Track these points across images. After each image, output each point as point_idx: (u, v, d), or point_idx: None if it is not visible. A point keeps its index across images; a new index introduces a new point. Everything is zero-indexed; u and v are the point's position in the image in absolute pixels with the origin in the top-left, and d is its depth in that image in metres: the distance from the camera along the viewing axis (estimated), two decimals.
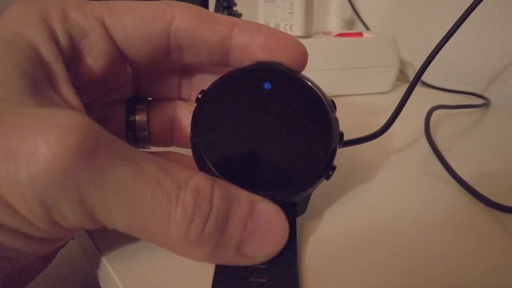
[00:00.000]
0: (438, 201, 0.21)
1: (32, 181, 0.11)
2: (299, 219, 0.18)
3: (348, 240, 0.17)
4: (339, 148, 0.17)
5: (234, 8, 0.50)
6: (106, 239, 0.17)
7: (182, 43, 0.17)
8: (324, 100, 0.17)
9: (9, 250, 0.13)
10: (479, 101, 0.39)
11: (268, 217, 0.15)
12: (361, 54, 0.41)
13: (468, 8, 0.23)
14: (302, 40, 0.27)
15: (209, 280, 0.14)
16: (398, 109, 0.24)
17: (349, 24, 0.64)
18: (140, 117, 0.21)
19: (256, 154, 0.16)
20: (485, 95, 0.43)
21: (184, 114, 0.22)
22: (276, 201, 0.15)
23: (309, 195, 0.17)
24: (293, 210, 0.17)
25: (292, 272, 0.15)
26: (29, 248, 0.13)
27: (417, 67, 0.31)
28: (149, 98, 0.22)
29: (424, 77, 0.49)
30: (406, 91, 0.24)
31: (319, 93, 0.17)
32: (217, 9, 0.50)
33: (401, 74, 0.54)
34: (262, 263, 0.15)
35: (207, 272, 0.15)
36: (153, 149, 0.22)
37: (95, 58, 0.17)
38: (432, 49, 0.24)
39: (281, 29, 0.42)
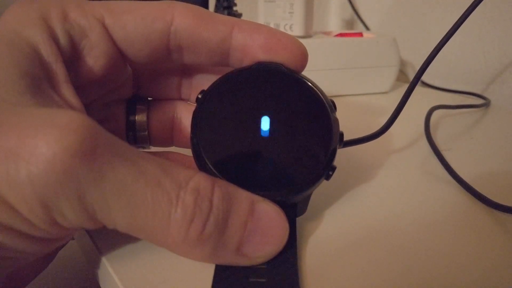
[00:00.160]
0: (438, 201, 0.21)
1: (33, 181, 0.11)
2: (299, 219, 0.18)
3: (348, 240, 0.17)
4: (339, 148, 0.17)
5: (234, 8, 0.50)
6: (106, 239, 0.17)
7: (182, 43, 0.17)
8: (324, 100, 0.17)
9: (9, 250, 0.13)
10: (479, 101, 0.39)
11: (268, 217, 0.15)
12: (361, 54, 0.41)
13: (468, 8, 0.23)
14: (302, 40, 0.27)
15: (209, 280, 0.14)
16: (398, 109, 0.24)
17: (349, 24, 0.64)
18: (140, 117, 0.21)
19: (256, 154, 0.16)
20: (485, 95, 0.43)
21: (184, 114, 0.22)
22: (276, 201, 0.15)
23: (309, 195, 0.17)
24: (293, 210, 0.17)
25: (292, 272, 0.15)
26: (29, 248, 0.13)
27: (417, 67, 0.31)
28: (149, 98, 0.22)
29: (424, 77, 0.49)
30: (406, 91, 0.24)
31: (319, 93, 0.17)
32: (217, 9, 0.50)
33: (401, 74, 0.54)
34: (262, 263, 0.15)
35: (207, 272, 0.15)
36: (153, 149, 0.22)
37: (95, 58, 0.17)
38: (432, 49, 0.24)
39: (281, 29, 0.42)
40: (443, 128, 0.32)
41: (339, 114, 0.18)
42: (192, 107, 0.21)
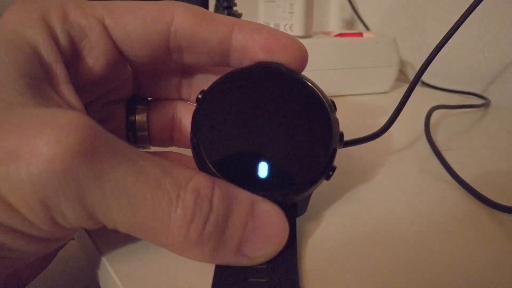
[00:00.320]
0: (438, 201, 0.21)
1: (33, 181, 0.11)
2: (299, 219, 0.18)
3: (348, 240, 0.17)
4: (339, 148, 0.17)
5: (234, 8, 0.50)
6: (106, 239, 0.17)
7: (182, 43, 0.17)
8: (324, 101, 0.17)
9: (10, 250, 0.13)
10: (479, 101, 0.39)
11: (268, 217, 0.15)
12: (361, 54, 0.41)
13: (468, 8, 0.23)
14: (302, 40, 0.27)
15: (209, 280, 0.14)
16: (398, 109, 0.24)
17: (349, 24, 0.64)
18: (140, 117, 0.21)
19: (256, 154, 0.16)
20: (485, 95, 0.43)
21: (184, 114, 0.22)
22: (276, 201, 0.15)
23: (309, 196, 0.17)
24: (293, 210, 0.17)
25: (292, 272, 0.15)
26: (29, 248, 0.13)
27: (417, 67, 0.31)
28: (149, 98, 0.22)
29: (424, 77, 0.49)
30: (406, 91, 0.24)
31: (319, 93, 0.17)
32: (217, 9, 0.50)
33: (401, 74, 0.54)
34: (262, 263, 0.15)
35: (207, 272, 0.15)
36: (153, 149, 0.22)
37: (95, 58, 0.17)
38: (432, 49, 0.24)
39: (281, 29, 0.42)
40: (443, 128, 0.32)
41: (339, 114, 0.18)
42: (192, 107, 0.21)
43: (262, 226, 0.15)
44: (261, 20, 0.44)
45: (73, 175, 0.12)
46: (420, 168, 0.25)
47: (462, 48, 0.47)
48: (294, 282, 0.14)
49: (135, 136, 0.21)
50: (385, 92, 0.44)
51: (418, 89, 0.46)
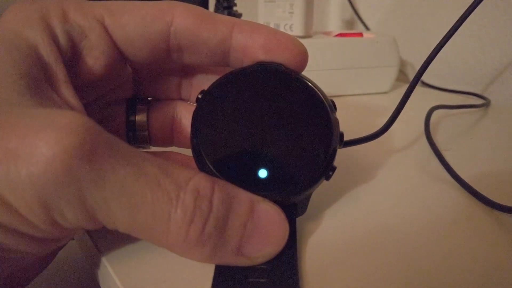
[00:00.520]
0: (438, 201, 0.21)
1: (33, 181, 0.11)
2: (299, 219, 0.18)
3: (348, 240, 0.17)
4: (339, 148, 0.17)
5: (234, 8, 0.50)
6: (106, 239, 0.17)
7: (182, 43, 0.17)
8: (324, 101, 0.17)
9: (10, 250, 0.13)
10: (479, 101, 0.39)
11: (268, 217, 0.15)
12: (361, 54, 0.41)
13: (468, 8, 0.23)
14: (302, 40, 0.27)
15: (209, 280, 0.14)
16: (398, 109, 0.24)
17: (349, 24, 0.64)
18: (140, 117, 0.21)
19: (256, 155, 0.16)
20: (485, 95, 0.43)
21: (184, 114, 0.22)
22: (276, 201, 0.15)
23: (309, 196, 0.17)
24: (293, 211, 0.17)
25: (292, 272, 0.15)
26: (29, 249, 0.13)
27: (417, 67, 0.31)
28: (149, 98, 0.22)
29: (424, 77, 0.49)
30: (406, 91, 0.24)
31: (319, 93, 0.17)
32: (217, 9, 0.50)
33: (401, 74, 0.54)
34: (262, 263, 0.15)
35: (207, 272, 0.15)
36: (153, 149, 0.22)
37: (95, 58, 0.17)
38: (432, 49, 0.24)
39: (281, 29, 0.42)
40: (443, 128, 0.32)
41: (339, 114, 0.18)
42: (192, 107, 0.21)
43: (262, 226, 0.15)
44: (261, 20, 0.44)
45: (73, 176, 0.12)
46: (420, 168, 0.25)
47: (462, 48, 0.47)
48: (294, 282, 0.14)
49: (135, 136, 0.21)
50: (385, 92, 0.44)
51: (418, 89, 0.46)
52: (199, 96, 0.17)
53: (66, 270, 0.32)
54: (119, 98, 0.21)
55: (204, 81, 0.21)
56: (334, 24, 0.64)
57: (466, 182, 0.22)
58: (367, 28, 0.60)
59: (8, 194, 0.11)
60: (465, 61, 0.47)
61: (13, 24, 0.15)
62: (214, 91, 0.17)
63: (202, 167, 0.16)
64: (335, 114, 0.17)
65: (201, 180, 0.14)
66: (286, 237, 0.15)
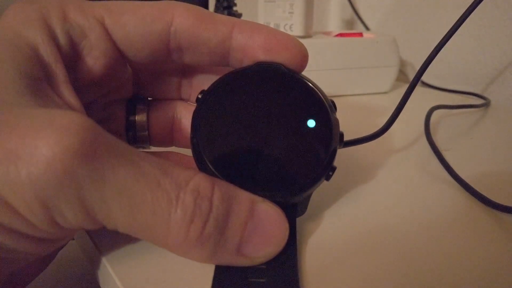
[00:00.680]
0: (438, 201, 0.21)
1: (33, 182, 0.11)
2: (299, 220, 0.18)
3: (348, 240, 0.17)
4: (339, 148, 0.17)
5: (234, 8, 0.50)
6: (106, 239, 0.17)
7: (182, 43, 0.17)
8: (324, 101, 0.17)
9: (10, 250, 0.13)
10: (479, 101, 0.39)
11: (268, 217, 0.15)
12: (361, 54, 0.41)
13: (468, 8, 0.23)
14: (302, 40, 0.27)
15: (209, 280, 0.14)
16: (398, 109, 0.24)
17: (349, 24, 0.64)
18: (140, 117, 0.21)
19: (256, 155, 0.16)
20: (485, 95, 0.43)
21: (184, 114, 0.22)
22: (276, 201, 0.15)
23: (309, 196, 0.17)
24: (293, 211, 0.17)
25: (292, 272, 0.15)
26: (29, 249, 0.13)
27: (417, 67, 0.31)
28: (149, 98, 0.22)
29: (424, 77, 0.49)
30: (406, 91, 0.24)
31: (319, 93, 0.17)
32: (217, 9, 0.50)
33: (401, 74, 0.54)
34: (262, 264, 0.15)
35: (207, 272, 0.15)
36: (153, 149, 0.22)
37: (94, 58, 0.17)
38: (432, 49, 0.24)
39: (281, 29, 0.42)
40: (443, 128, 0.32)
41: (339, 114, 0.18)
42: (192, 107, 0.21)
43: (262, 227, 0.15)
44: (261, 20, 0.44)
45: (73, 176, 0.12)
46: (420, 168, 0.25)
47: (462, 48, 0.47)
48: (294, 282, 0.14)
49: (135, 136, 0.21)
50: (385, 92, 0.44)
51: (418, 89, 0.46)
52: (199, 96, 0.17)
53: (66, 270, 0.32)
54: (119, 98, 0.21)
55: (204, 81, 0.21)
56: (334, 24, 0.64)
57: (466, 182, 0.22)
58: (367, 28, 0.60)
59: (8, 194, 0.11)
60: (465, 61, 0.47)
61: (13, 24, 0.15)
62: (214, 91, 0.17)
63: (202, 167, 0.16)
64: (335, 114, 0.17)
65: (201, 180, 0.14)
66: (286, 237, 0.15)
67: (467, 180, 0.22)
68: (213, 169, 0.16)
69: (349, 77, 0.41)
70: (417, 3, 0.53)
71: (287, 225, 0.15)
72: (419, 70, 0.24)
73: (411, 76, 0.54)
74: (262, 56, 0.17)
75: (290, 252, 0.15)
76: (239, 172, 0.16)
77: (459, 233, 0.18)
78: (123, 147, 0.13)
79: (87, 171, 0.12)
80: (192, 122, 0.17)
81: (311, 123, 0.17)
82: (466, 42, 0.47)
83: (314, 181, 0.16)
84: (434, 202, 0.21)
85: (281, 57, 0.17)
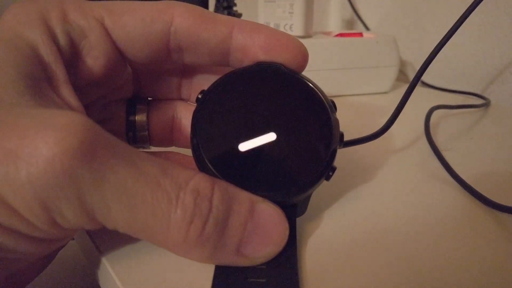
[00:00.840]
0: (438, 201, 0.21)
1: (32, 182, 0.11)
2: (299, 220, 0.18)
3: (348, 240, 0.17)
4: (339, 148, 0.17)
5: (234, 8, 0.50)
6: (106, 239, 0.17)
7: (182, 43, 0.17)
8: (324, 101, 0.17)
9: (10, 251, 0.13)
10: (479, 101, 0.39)
11: (268, 217, 0.15)
12: (361, 54, 0.41)
13: (468, 8, 0.23)
14: (302, 40, 0.27)
15: (209, 280, 0.14)
16: (398, 109, 0.24)
17: (349, 24, 0.64)
18: (140, 117, 0.21)
19: (256, 155, 0.16)
20: (485, 95, 0.43)
21: (184, 114, 0.22)
22: (276, 201, 0.15)
23: (309, 196, 0.17)
24: (293, 211, 0.17)
25: (292, 273, 0.15)
26: (29, 249, 0.13)
27: (417, 67, 0.31)
28: (149, 98, 0.22)
29: (424, 77, 0.49)
30: (406, 91, 0.24)
31: (320, 93, 0.17)
32: (217, 9, 0.50)
33: (401, 74, 0.54)
34: (262, 264, 0.15)
35: (207, 272, 0.15)
36: (153, 149, 0.22)
37: (94, 58, 0.17)
38: (432, 49, 0.24)
39: (281, 29, 0.42)
40: (443, 128, 0.32)
41: (339, 114, 0.18)
42: (192, 107, 0.21)
43: (262, 227, 0.15)
44: (261, 20, 0.44)
45: (72, 176, 0.12)
46: (420, 168, 0.25)
47: (462, 48, 0.47)
48: (294, 282, 0.14)
49: (135, 136, 0.21)
50: (385, 92, 0.44)
51: (418, 89, 0.46)
52: (199, 96, 0.17)
53: (66, 270, 0.32)
54: (119, 98, 0.21)
55: (204, 81, 0.21)
56: (334, 24, 0.64)
57: (466, 182, 0.22)
58: (367, 28, 0.60)
59: (8, 195, 0.11)
60: (465, 61, 0.47)
61: (13, 24, 0.15)
62: (214, 91, 0.17)
63: (202, 167, 0.16)
64: (335, 114, 0.17)
65: (201, 180, 0.14)
66: (286, 237, 0.15)
67: (467, 180, 0.22)
68: (213, 169, 0.16)
69: (349, 77, 0.41)
70: (417, 3, 0.53)
71: (287, 225, 0.15)
72: (419, 70, 0.24)
73: (411, 76, 0.54)
74: (262, 56, 0.17)
75: (290, 252, 0.15)
76: (239, 172, 0.16)
77: (459, 233, 0.18)
78: (123, 147, 0.13)
79: (87, 171, 0.12)
80: (192, 122, 0.17)
81: (311, 123, 0.17)
82: (466, 42, 0.47)
83: (314, 181, 0.16)
84: (434, 202, 0.21)
85: (281, 57, 0.17)
